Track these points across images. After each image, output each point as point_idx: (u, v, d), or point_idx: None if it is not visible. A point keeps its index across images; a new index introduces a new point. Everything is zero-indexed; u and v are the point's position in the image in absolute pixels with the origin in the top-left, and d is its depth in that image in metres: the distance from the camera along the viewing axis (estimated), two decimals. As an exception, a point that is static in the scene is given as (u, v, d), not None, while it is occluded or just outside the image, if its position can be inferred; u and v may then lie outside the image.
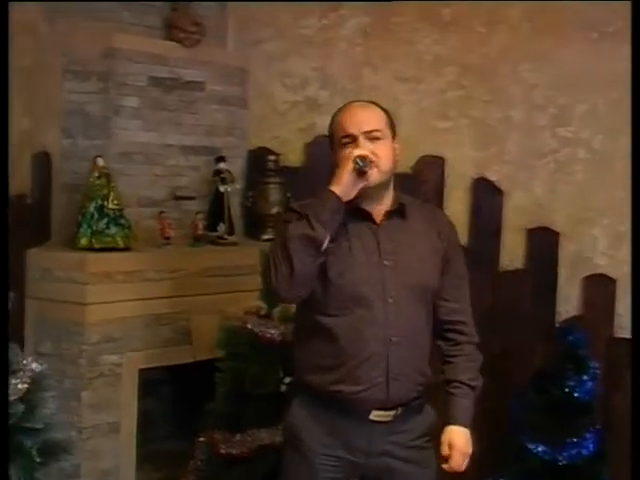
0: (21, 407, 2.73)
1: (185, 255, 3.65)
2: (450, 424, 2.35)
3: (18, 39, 3.15)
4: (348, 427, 2.29)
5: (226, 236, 3.81)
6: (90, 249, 3.39)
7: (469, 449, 2.35)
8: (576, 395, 3.18)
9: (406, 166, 3.70)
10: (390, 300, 2.26)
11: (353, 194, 2.20)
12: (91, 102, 3.58)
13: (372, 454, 2.31)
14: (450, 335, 2.41)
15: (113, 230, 3.42)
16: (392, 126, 2.33)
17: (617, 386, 3.41)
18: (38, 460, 2.79)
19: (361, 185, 2.20)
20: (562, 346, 3.25)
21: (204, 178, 3.88)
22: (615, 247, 3.57)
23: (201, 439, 3.31)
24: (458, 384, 2.37)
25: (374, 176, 2.22)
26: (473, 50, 3.77)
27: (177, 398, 3.87)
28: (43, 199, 3.57)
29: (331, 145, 2.34)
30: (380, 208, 2.31)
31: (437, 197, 3.81)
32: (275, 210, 3.89)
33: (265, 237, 3.85)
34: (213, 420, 3.31)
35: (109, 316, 3.38)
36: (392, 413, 2.30)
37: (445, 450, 2.33)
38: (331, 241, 2.20)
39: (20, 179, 3.40)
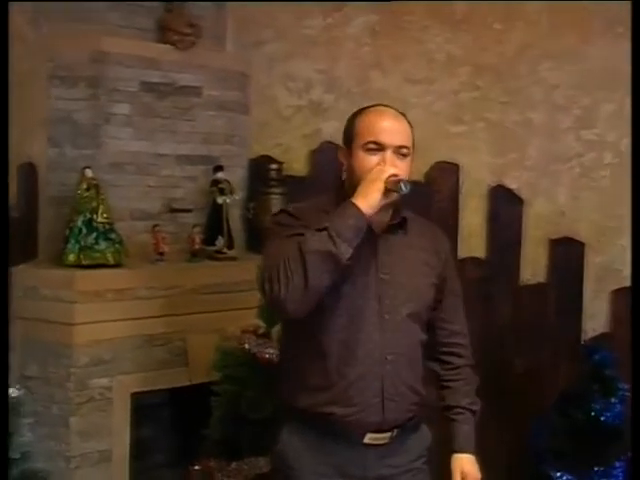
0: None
1: (180, 271, 3.60)
2: (456, 452, 2.36)
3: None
4: (342, 452, 2.23)
5: (225, 250, 3.75)
6: (78, 266, 3.35)
7: (479, 475, 2.36)
8: (603, 419, 3.17)
9: (418, 174, 3.64)
10: (386, 316, 2.21)
11: (375, 211, 2.12)
12: (79, 109, 3.54)
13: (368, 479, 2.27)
14: (447, 358, 2.41)
15: (102, 245, 3.38)
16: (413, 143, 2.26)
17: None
18: (14, 493, 2.79)
19: (383, 203, 2.11)
20: (588, 366, 3.24)
21: (201, 189, 3.82)
22: (645, 258, 3.53)
23: (196, 467, 3.29)
24: (460, 410, 2.38)
25: (395, 195, 2.14)
26: (488, 48, 3.72)
27: (172, 424, 3.80)
28: (29, 213, 3.51)
29: (346, 142, 2.23)
30: (381, 220, 2.23)
31: (452, 206, 3.78)
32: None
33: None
34: (209, 447, 3.30)
35: (99, 337, 3.33)
36: (388, 435, 2.24)
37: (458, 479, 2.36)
38: None
39: (4, 192, 3.44)
